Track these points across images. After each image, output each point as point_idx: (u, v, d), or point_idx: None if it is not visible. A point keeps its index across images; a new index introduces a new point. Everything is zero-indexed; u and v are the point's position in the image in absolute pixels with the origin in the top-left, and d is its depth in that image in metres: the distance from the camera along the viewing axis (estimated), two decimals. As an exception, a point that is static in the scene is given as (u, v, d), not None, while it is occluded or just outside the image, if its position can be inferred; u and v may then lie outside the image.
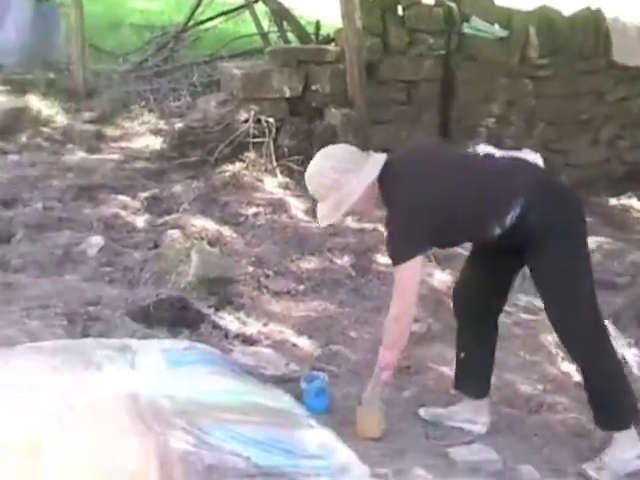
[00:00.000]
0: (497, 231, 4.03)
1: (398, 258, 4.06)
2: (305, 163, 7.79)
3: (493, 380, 4.57)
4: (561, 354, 5.23)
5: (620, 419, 4.19)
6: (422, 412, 4.54)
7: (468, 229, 4.15)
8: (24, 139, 8.45)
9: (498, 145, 8.38)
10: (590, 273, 4.15)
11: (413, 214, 3.99)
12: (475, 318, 4.40)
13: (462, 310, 4.48)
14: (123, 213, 6.73)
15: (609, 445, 4.20)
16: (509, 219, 3.99)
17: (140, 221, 6.67)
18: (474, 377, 4.48)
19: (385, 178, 4.06)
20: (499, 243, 4.11)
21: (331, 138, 7.96)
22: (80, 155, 8.16)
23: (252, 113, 8.07)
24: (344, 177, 4.00)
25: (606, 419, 4.22)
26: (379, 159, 4.10)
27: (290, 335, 5.21)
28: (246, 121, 8.07)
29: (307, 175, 4.19)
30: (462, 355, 4.48)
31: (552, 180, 4.33)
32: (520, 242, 4.06)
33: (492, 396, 4.56)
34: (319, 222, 4.27)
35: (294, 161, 7.94)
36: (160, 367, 4.23)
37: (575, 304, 4.07)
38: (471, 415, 4.46)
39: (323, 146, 7.72)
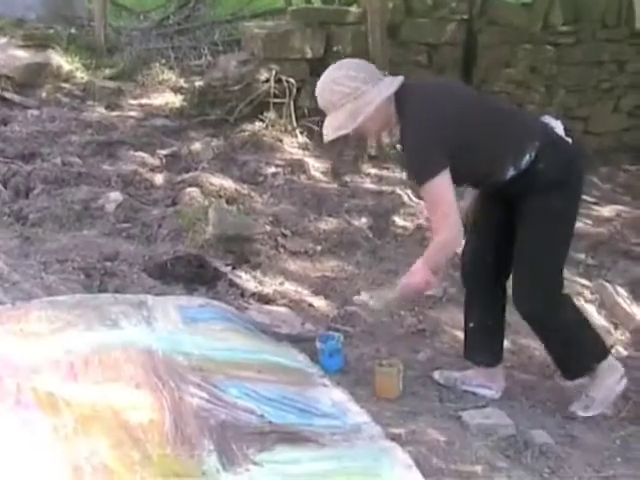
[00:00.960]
0: (511, 172, 3.96)
1: (424, 175, 3.84)
2: (325, 124, 7.92)
3: (508, 345, 4.57)
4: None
5: (584, 365, 4.28)
6: (436, 375, 4.50)
7: (484, 162, 4.00)
8: (44, 94, 8.42)
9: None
10: (570, 237, 4.18)
11: (431, 130, 3.83)
12: (482, 286, 4.34)
13: (469, 278, 4.42)
14: (142, 170, 6.72)
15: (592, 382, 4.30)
16: (524, 162, 3.94)
17: (159, 178, 6.66)
18: (485, 346, 4.42)
19: (402, 95, 3.89)
20: (503, 191, 4.07)
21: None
22: (100, 111, 8.13)
23: (273, 73, 8.03)
24: (363, 86, 3.82)
25: (570, 369, 4.33)
26: (397, 77, 3.95)
27: (306, 295, 5.21)
28: (267, 81, 8.04)
29: (319, 85, 3.94)
30: (471, 325, 4.40)
31: (562, 138, 4.18)
32: (520, 192, 4.02)
33: (507, 361, 4.56)
34: (328, 135, 3.97)
35: (314, 122, 7.87)
36: (176, 323, 4.25)
37: (545, 263, 4.08)
38: (485, 380, 4.40)
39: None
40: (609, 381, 4.26)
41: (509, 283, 4.27)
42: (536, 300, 4.09)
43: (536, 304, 4.09)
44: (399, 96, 3.89)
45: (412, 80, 4.17)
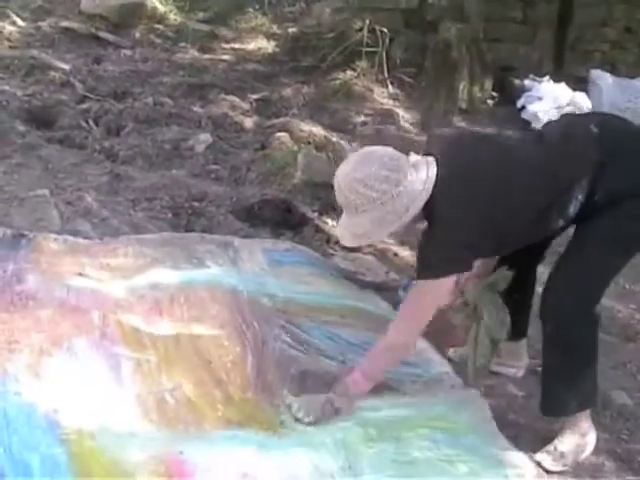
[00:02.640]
0: (560, 224, 3.41)
1: (427, 270, 3.32)
2: (417, 75, 7.85)
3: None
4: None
5: (566, 406, 3.51)
6: (451, 352, 4.10)
7: (525, 232, 3.43)
8: (137, 35, 8.47)
9: (612, 71, 8.32)
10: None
11: (460, 225, 3.23)
12: (515, 270, 3.78)
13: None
14: (232, 113, 6.71)
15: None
16: (572, 208, 3.34)
17: (248, 122, 6.64)
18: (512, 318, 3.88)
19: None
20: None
21: (445, 52, 7.83)
22: (192, 54, 8.15)
23: (366, 22, 7.94)
24: (394, 189, 3.20)
25: (551, 405, 3.55)
26: (431, 167, 3.28)
27: (391, 244, 5.15)
28: (360, 30, 7.96)
29: (341, 179, 3.29)
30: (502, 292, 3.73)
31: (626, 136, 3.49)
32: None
33: None
34: (346, 239, 3.41)
35: (406, 73, 7.85)
36: (261, 265, 4.27)
37: (597, 268, 3.42)
38: (506, 358, 4.02)
39: (437, 60, 7.88)
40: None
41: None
42: (570, 295, 3.42)
43: (568, 298, 3.42)
44: None
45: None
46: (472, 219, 3.25)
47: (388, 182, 3.20)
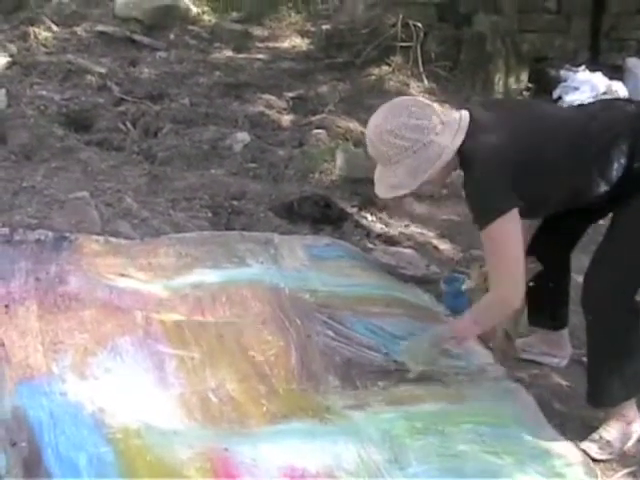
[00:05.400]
0: (602, 188, 3.32)
1: (483, 218, 3.27)
2: (453, 69, 7.83)
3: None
4: None
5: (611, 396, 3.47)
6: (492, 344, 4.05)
7: (565, 188, 3.37)
8: (172, 36, 8.48)
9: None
10: None
11: (497, 172, 3.22)
12: (547, 259, 3.76)
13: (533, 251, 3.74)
14: (269, 112, 6.72)
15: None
16: (614, 170, 3.29)
17: (285, 120, 6.65)
18: (548, 309, 3.93)
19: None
20: (595, 206, 3.48)
21: (479, 44, 7.81)
22: (227, 54, 8.16)
23: (400, 17, 7.92)
24: (425, 137, 3.23)
25: (597, 395, 3.50)
26: (464, 116, 3.33)
27: (431, 237, 5.15)
28: (394, 25, 7.94)
29: (372, 131, 3.33)
30: (531, 284, 3.60)
31: None
32: (619, 201, 3.37)
33: None
34: (382, 192, 3.41)
35: (441, 67, 7.82)
36: (302, 261, 4.26)
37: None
38: (549, 348, 4.00)
39: (471, 52, 7.85)
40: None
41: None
42: (610, 282, 3.35)
43: (608, 285, 3.35)
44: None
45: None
46: (506, 160, 3.22)
47: (419, 131, 3.23)
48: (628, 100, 3.82)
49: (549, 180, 3.32)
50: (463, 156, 3.30)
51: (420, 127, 3.24)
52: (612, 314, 3.35)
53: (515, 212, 3.24)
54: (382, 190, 3.40)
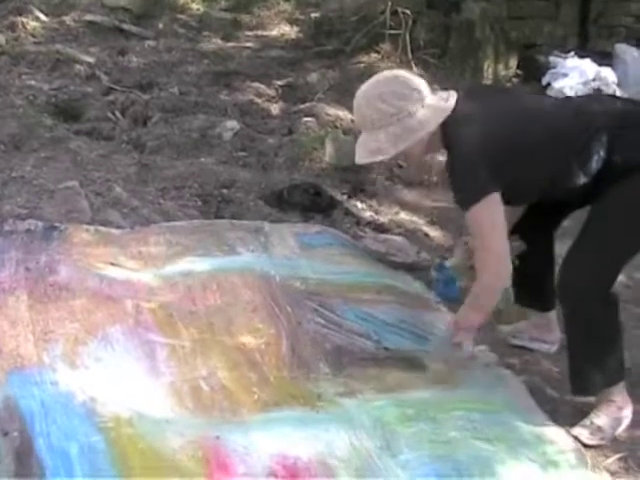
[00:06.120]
0: (581, 180, 3.35)
1: (468, 198, 3.31)
2: (442, 56, 7.82)
3: (623, 279, 4.42)
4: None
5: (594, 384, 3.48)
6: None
7: (544, 177, 3.40)
8: (160, 25, 8.49)
9: (637, 45, 8.24)
10: None
11: (477, 153, 3.27)
12: (531, 238, 3.79)
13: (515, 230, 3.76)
14: (258, 100, 6.72)
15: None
16: (594, 162, 3.32)
17: (275, 108, 6.65)
18: (533, 288, 3.92)
19: (449, 116, 3.34)
20: (573, 198, 3.51)
21: (468, 31, 7.81)
22: (216, 42, 8.17)
23: (389, 4, 7.91)
24: (411, 106, 3.30)
25: (577, 383, 3.50)
26: (452, 95, 3.38)
27: (422, 224, 5.17)
28: (382, 12, 7.94)
29: (359, 97, 3.40)
30: (516, 262, 3.61)
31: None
32: (596, 192, 3.39)
33: (621, 295, 4.34)
34: (361, 157, 3.43)
35: (430, 54, 7.83)
36: (293, 249, 4.27)
37: (613, 246, 3.38)
38: (539, 333, 4.02)
39: (460, 40, 7.84)
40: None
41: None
42: (585, 274, 3.36)
43: (583, 276, 3.35)
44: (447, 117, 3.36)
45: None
46: (489, 143, 3.28)
47: (405, 99, 3.31)
48: (616, 97, 3.80)
49: (530, 167, 3.37)
50: (448, 137, 3.36)
51: (407, 96, 3.32)
52: (587, 306, 3.37)
53: (497, 195, 3.29)
54: (360, 154, 3.43)
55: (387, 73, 3.49)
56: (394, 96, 3.31)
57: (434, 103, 3.36)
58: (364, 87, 3.42)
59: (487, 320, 3.70)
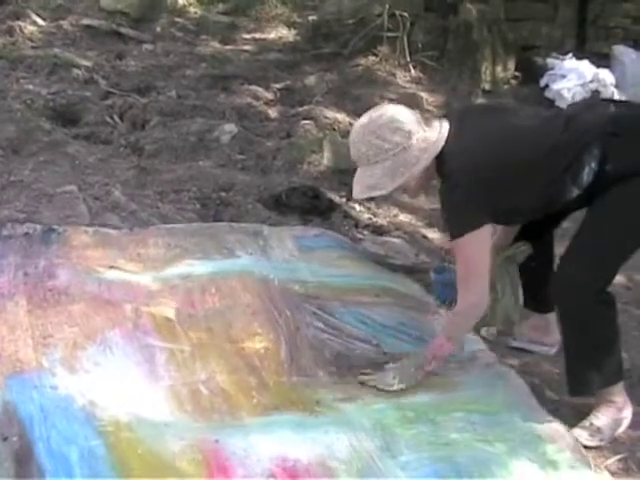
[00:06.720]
0: (575, 192, 3.36)
1: (458, 229, 3.35)
2: (440, 58, 7.83)
3: (623, 281, 4.43)
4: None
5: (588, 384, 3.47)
6: (483, 331, 4.07)
7: (538, 197, 3.41)
8: (158, 29, 8.50)
9: (634, 47, 8.25)
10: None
11: (475, 184, 3.29)
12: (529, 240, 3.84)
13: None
14: (256, 103, 6.73)
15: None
16: (585, 174, 3.32)
17: (273, 111, 6.66)
18: (531, 289, 3.92)
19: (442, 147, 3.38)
20: (570, 207, 3.53)
21: (466, 33, 7.81)
22: (213, 46, 8.18)
23: (386, 7, 7.92)
24: (405, 141, 3.34)
25: (574, 384, 3.50)
26: (444, 125, 3.42)
27: (420, 227, 5.17)
28: (380, 15, 7.95)
29: (355, 133, 3.46)
30: (531, 265, 3.81)
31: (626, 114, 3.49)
32: (591, 199, 3.40)
33: (621, 296, 4.33)
34: (358, 192, 3.49)
35: (428, 56, 7.84)
36: (292, 252, 4.26)
37: (611, 245, 3.38)
38: (537, 335, 4.05)
39: (458, 42, 7.84)
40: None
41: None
42: (578, 275, 3.35)
43: (576, 278, 3.35)
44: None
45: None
46: (483, 172, 3.30)
47: (400, 134, 3.35)
48: (611, 101, 3.80)
49: (523, 191, 3.39)
50: (442, 167, 3.40)
51: (402, 131, 3.36)
52: (581, 307, 3.37)
53: (485, 227, 3.34)
54: (358, 190, 3.49)
55: (381, 107, 3.53)
56: (389, 131, 3.36)
57: (428, 135, 3.40)
58: (358, 122, 3.50)
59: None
